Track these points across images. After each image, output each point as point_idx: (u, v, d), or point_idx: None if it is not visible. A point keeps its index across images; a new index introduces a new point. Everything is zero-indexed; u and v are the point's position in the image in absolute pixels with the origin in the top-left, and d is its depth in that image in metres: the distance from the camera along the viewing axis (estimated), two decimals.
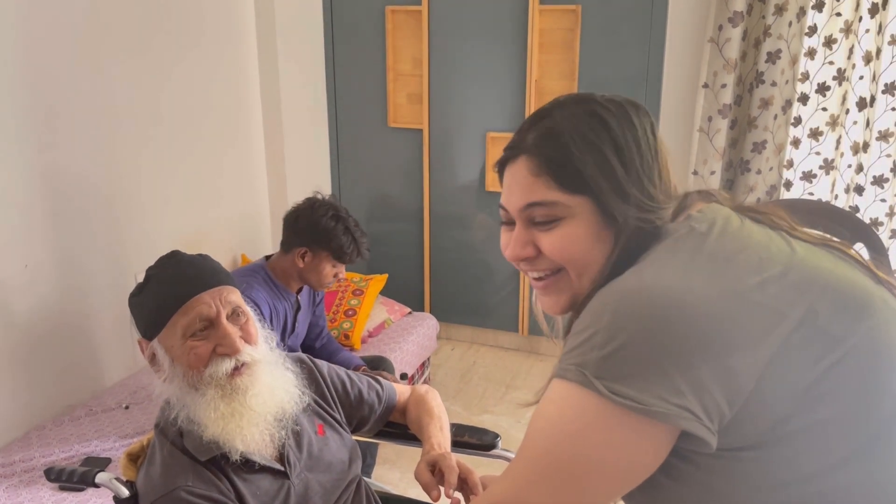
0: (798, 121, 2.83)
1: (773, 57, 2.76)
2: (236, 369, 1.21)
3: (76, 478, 1.24)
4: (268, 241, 3.49)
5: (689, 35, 2.95)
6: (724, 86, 2.81)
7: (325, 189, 3.69)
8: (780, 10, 2.70)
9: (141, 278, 1.27)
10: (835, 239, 0.88)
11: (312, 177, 3.58)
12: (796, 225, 0.87)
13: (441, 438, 1.41)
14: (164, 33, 2.77)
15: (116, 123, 2.60)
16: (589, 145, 0.83)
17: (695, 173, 2.96)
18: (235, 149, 3.27)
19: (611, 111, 0.85)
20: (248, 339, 1.23)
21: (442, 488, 1.28)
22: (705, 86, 2.87)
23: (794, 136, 2.85)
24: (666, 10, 2.99)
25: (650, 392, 0.72)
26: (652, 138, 0.87)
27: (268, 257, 2.32)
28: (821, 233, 0.89)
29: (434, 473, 1.31)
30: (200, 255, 1.29)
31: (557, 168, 0.84)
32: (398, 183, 3.66)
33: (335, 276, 2.26)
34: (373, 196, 3.74)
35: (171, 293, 1.20)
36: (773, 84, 2.78)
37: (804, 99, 2.81)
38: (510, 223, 0.92)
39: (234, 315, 1.23)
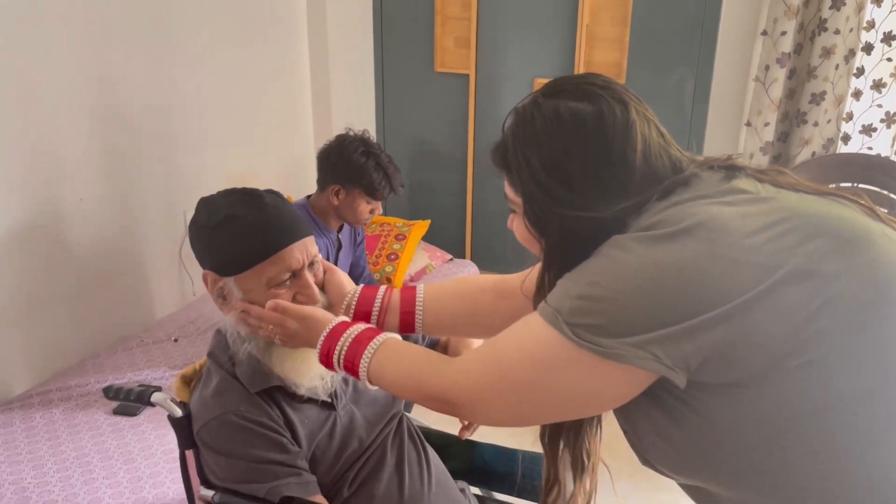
0: (861, 71, 2.72)
1: (837, 3, 2.64)
2: None
3: (133, 396, 1.29)
4: (312, 183, 3.50)
5: None
6: (783, 33, 2.71)
7: (370, 132, 3.69)
8: None
9: (190, 216, 1.26)
10: (833, 187, 0.91)
11: (358, 120, 3.58)
12: (801, 180, 0.91)
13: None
14: None
15: (170, 63, 2.63)
16: (517, 151, 0.92)
17: (748, 125, 2.88)
18: (283, 91, 3.28)
19: (552, 114, 0.89)
20: (320, 286, 1.26)
21: None
22: (764, 33, 2.76)
23: (856, 88, 2.75)
24: None
25: (614, 338, 0.81)
26: (618, 127, 0.88)
27: (309, 197, 2.34)
28: (820, 185, 0.91)
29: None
30: (278, 196, 1.27)
31: (507, 170, 0.96)
32: (443, 129, 3.64)
33: (371, 212, 2.26)
34: (417, 142, 3.73)
35: (262, 241, 1.19)
36: (837, 32, 2.66)
37: (868, 48, 2.69)
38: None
39: (311, 264, 1.25)
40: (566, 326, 0.84)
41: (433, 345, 1.53)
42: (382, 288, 1.26)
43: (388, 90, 3.69)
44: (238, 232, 1.19)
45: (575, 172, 0.89)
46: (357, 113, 3.63)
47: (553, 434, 1.10)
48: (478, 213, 3.69)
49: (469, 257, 3.71)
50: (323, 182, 2.25)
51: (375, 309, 1.23)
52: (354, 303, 1.23)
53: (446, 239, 3.59)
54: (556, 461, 1.10)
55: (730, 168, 0.92)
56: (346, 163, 2.19)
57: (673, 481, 1.00)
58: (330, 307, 1.24)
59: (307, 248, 1.23)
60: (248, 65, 3.02)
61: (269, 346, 1.22)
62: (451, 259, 3.33)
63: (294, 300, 1.21)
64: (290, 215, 1.24)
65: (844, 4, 2.63)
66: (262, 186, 1.29)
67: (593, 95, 0.90)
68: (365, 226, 2.45)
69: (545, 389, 0.89)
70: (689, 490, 0.98)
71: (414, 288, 1.26)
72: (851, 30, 2.67)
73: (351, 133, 2.27)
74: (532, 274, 1.08)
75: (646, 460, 0.98)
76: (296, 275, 1.22)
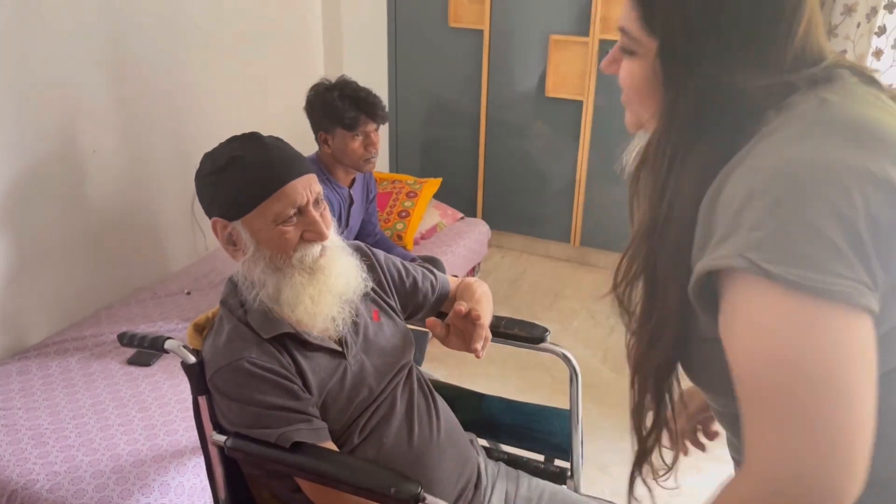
0: (882, 30, 2.66)
1: None
2: (321, 253, 1.25)
3: (147, 342, 1.32)
4: None
5: None
6: None
7: (381, 89, 3.66)
8: None
9: None
10: None
11: (370, 76, 3.54)
12: None
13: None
14: None
15: (180, 16, 2.60)
16: None
17: None
18: (294, 45, 3.25)
19: None
20: (327, 225, 1.27)
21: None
22: None
23: (877, 47, 2.69)
24: None
25: (829, 270, 0.64)
26: None
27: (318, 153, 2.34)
28: None
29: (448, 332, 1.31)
30: (277, 138, 1.29)
31: (643, 3, 0.78)
32: (456, 86, 3.60)
33: (366, 147, 2.22)
34: (430, 99, 3.70)
35: (264, 177, 1.21)
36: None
37: (891, 7, 2.63)
38: None
39: (316, 202, 1.26)
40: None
41: (443, 297, 1.53)
42: None
43: (401, 46, 3.64)
44: (241, 172, 1.21)
45: (733, 25, 0.74)
46: (370, 68, 3.60)
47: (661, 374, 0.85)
48: (490, 172, 3.67)
49: (480, 216, 3.70)
50: (315, 137, 2.26)
51: None
52: None
53: (458, 197, 3.58)
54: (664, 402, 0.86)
55: (869, 77, 0.79)
56: (317, 108, 2.22)
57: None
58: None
59: (311, 185, 1.25)
60: (259, 18, 2.99)
61: (280, 292, 1.24)
62: (462, 217, 3.33)
63: (302, 238, 1.23)
64: (291, 153, 1.26)
65: None
66: None
67: None
68: (376, 178, 2.43)
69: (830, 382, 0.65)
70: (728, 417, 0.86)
71: None
72: None
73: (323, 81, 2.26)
74: None
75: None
76: (301, 211, 1.23)
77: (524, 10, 3.32)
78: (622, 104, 0.86)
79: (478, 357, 1.28)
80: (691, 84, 0.76)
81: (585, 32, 3.21)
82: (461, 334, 1.31)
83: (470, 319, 1.27)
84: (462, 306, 1.28)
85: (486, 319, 1.39)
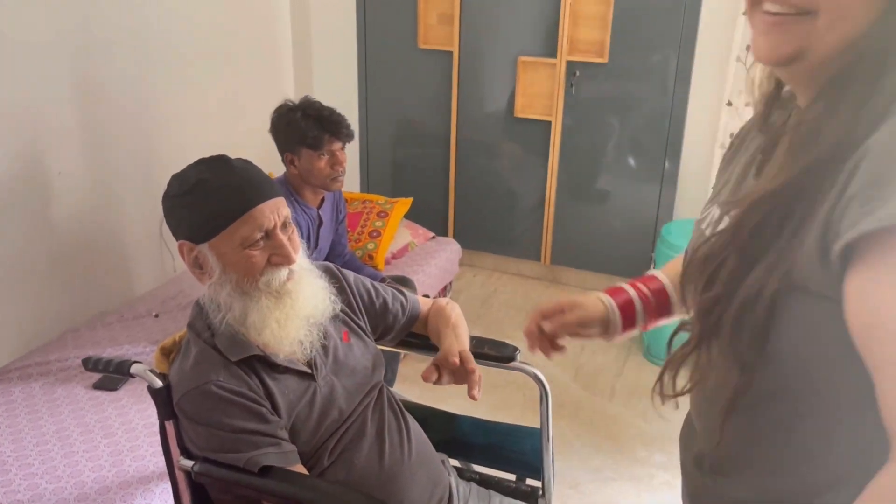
0: None
1: None
2: (288, 277, 1.25)
3: (113, 367, 1.30)
4: None
5: None
6: None
7: (351, 110, 3.68)
8: None
9: None
10: None
11: (340, 97, 3.56)
12: None
13: (455, 344, 1.42)
14: None
15: (148, 36, 2.59)
16: None
17: (729, 104, 2.90)
18: (265, 66, 3.25)
19: None
20: (295, 249, 1.27)
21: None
22: (745, 12, 2.77)
23: None
24: None
25: None
26: None
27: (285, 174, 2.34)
28: None
29: (440, 374, 1.34)
30: (246, 161, 1.29)
31: None
32: (426, 106, 3.63)
33: (332, 166, 2.22)
34: (400, 119, 3.72)
35: (231, 201, 1.20)
36: None
37: None
38: None
39: (284, 225, 1.26)
40: None
41: (413, 318, 1.53)
42: (630, 290, 1.10)
43: (370, 67, 3.67)
44: (208, 195, 1.21)
45: None
46: (339, 89, 3.61)
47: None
48: (460, 191, 3.69)
49: (452, 235, 3.71)
50: (282, 158, 2.26)
51: (639, 310, 1.09)
52: (619, 318, 1.09)
53: (429, 217, 3.59)
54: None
55: None
56: (281, 129, 2.23)
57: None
58: None
59: (279, 208, 1.25)
60: (228, 39, 2.99)
61: (247, 315, 1.23)
62: (433, 237, 3.34)
63: (269, 262, 1.23)
64: (259, 176, 1.26)
65: None
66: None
67: None
68: (347, 198, 2.43)
69: None
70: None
71: (654, 278, 1.12)
72: None
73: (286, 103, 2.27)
74: None
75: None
76: (269, 235, 1.23)
77: (493, 32, 3.37)
78: (775, 27, 0.73)
79: (474, 399, 1.29)
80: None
81: (553, 54, 3.26)
82: (451, 374, 1.34)
83: (464, 367, 1.30)
84: (455, 358, 1.31)
85: (465, 344, 1.43)
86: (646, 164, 3.28)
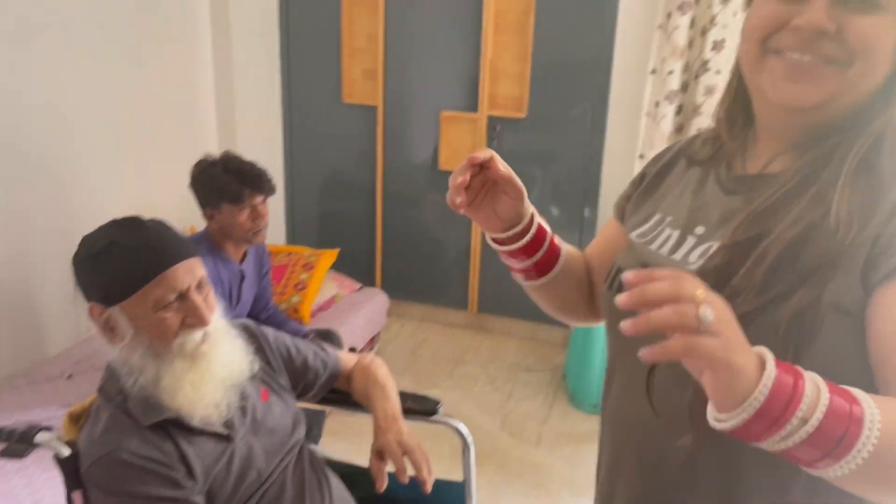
0: None
1: (718, 46, 2.84)
2: (203, 339, 1.23)
3: (16, 437, 1.24)
4: None
5: (639, 21, 3.02)
6: (671, 72, 2.89)
7: (276, 163, 3.68)
8: (725, 0, 2.78)
9: None
10: None
11: (265, 150, 3.56)
12: None
13: (388, 406, 1.45)
14: (116, 2, 2.72)
15: (64, 90, 2.55)
16: None
17: (641, 156, 3.04)
18: (187, 121, 3.23)
19: None
20: (211, 310, 1.26)
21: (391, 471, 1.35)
22: (653, 72, 2.94)
23: None
24: None
25: None
26: None
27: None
28: None
29: (383, 458, 1.36)
30: (160, 221, 1.27)
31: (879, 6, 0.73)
32: (351, 159, 3.66)
33: (254, 219, 2.22)
34: (326, 171, 3.74)
35: (144, 263, 1.19)
36: (718, 72, 2.86)
37: None
38: None
39: (199, 287, 1.25)
40: None
41: (335, 375, 1.53)
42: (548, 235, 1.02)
43: (295, 120, 3.69)
44: (119, 256, 1.19)
45: None
46: (264, 143, 3.61)
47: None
48: (387, 242, 3.72)
49: (379, 286, 3.72)
50: (202, 213, 2.25)
51: (546, 244, 1.00)
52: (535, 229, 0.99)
53: (356, 268, 3.60)
54: None
55: None
56: (201, 184, 2.22)
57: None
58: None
59: (193, 269, 1.24)
60: (150, 92, 2.96)
61: (160, 378, 1.21)
62: (360, 288, 3.34)
63: (183, 324, 1.21)
64: (172, 236, 1.25)
65: (724, 47, 2.83)
66: (164, 217, 1.29)
67: None
68: (272, 251, 2.42)
69: None
70: None
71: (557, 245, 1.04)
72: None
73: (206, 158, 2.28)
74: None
75: None
76: (183, 297, 1.22)
77: (416, 87, 3.45)
78: (805, 73, 0.76)
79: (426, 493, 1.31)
80: None
81: (474, 109, 3.36)
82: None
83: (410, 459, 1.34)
84: (398, 460, 1.33)
85: (396, 406, 1.45)
86: (567, 213, 3.38)
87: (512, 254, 0.99)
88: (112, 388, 1.24)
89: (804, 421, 0.61)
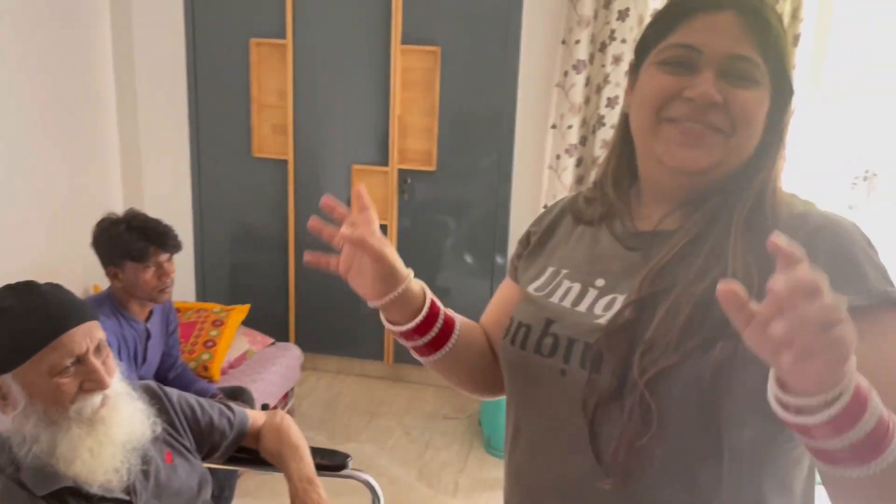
0: None
1: (612, 102, 3.02)
2: (102, 403, 1.21)
3: None
4: None
5: (538, 79, 3.18)
6: (570, 127, 3.05)
7: (185, 219, 3.63)
8: (616, 60, 2.97)
9: None
10: None
11: (171, 205, 3.51)
12: None
13: (303, 467, 1.45)
14: (13, 43, 2.66)
15: None
16: (782, 28, 0.85)
17: (545, 206, 3.17)
18: (90, 174, 3.16)
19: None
20: (110, 373, 1.24)
21: None
22: (553, 126, 3.09)
23: None
24: (518, 55, 3.20)
25: None
26: None
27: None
28: None
29: None
30: (56, 285, 1.25)
31: (761, 35, 0.83)
32: (263, 213, 3.65)
33: (159, 277, 2.19)
34: (236, 225, 3.71)
35: (37, 329, 1.17)
36: (613, 127, 3.04)
37: None
38: (684, 66, 0.85)
39: (98, 350, 1.23)
40: None
41: (241, 434, 1.52)
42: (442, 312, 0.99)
43: (204, 175, 3.66)
44: (11, 322, 1.17)
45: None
46: (172, 198, 3.57)
47: None
48: (301, 295, 3.70)
49: (293, 340, 3.68)
50: (105, 272, 2.21)
51: (441, 319, 0.97)
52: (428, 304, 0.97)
53: (269, 322, 3.55)
54: None
55: None
56: (104, 243, 2.19)
57: None
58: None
59: (91, 332, 1.22)
60: (52, 150, 2.89)
61: (56, 446, 1.18)
62: (273, 343, 3.30)
63: (81, 388, 1.19)
64: (69, 300, 1.23)
65: (618, 104, 3.02)
66: (65, 276, 1.27)
67: None
68: (180, 308, 2.38)
69: None
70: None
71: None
72: None
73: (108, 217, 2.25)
74: None
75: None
76: (81, 360, 1.20)
77: (327, 141, 3.50)
78: (698, 140, 0.84)
79: None
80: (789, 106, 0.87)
81: (385, 162, 3.43)
82: None
83: None
84: None
85: (310, 466, 1.46)
86: (479, 260, 3.47)
87: (404, 334, 0.96)
88: (4, 458, 1.20)
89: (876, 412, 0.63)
